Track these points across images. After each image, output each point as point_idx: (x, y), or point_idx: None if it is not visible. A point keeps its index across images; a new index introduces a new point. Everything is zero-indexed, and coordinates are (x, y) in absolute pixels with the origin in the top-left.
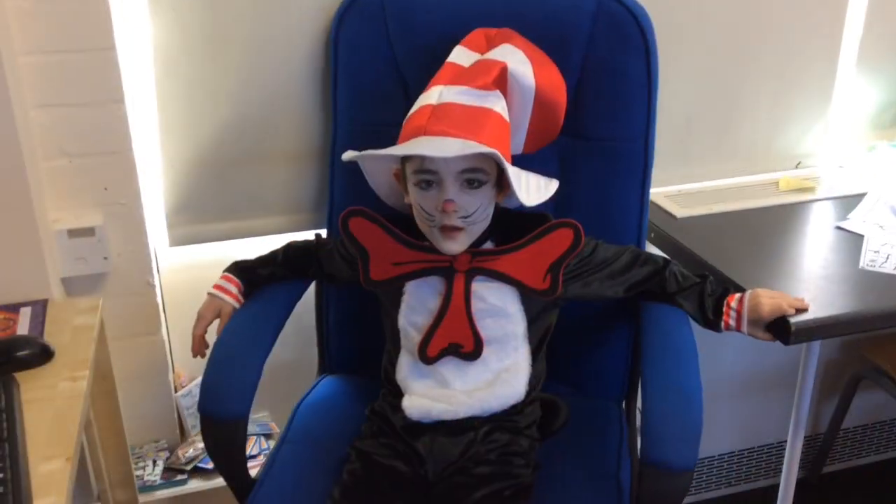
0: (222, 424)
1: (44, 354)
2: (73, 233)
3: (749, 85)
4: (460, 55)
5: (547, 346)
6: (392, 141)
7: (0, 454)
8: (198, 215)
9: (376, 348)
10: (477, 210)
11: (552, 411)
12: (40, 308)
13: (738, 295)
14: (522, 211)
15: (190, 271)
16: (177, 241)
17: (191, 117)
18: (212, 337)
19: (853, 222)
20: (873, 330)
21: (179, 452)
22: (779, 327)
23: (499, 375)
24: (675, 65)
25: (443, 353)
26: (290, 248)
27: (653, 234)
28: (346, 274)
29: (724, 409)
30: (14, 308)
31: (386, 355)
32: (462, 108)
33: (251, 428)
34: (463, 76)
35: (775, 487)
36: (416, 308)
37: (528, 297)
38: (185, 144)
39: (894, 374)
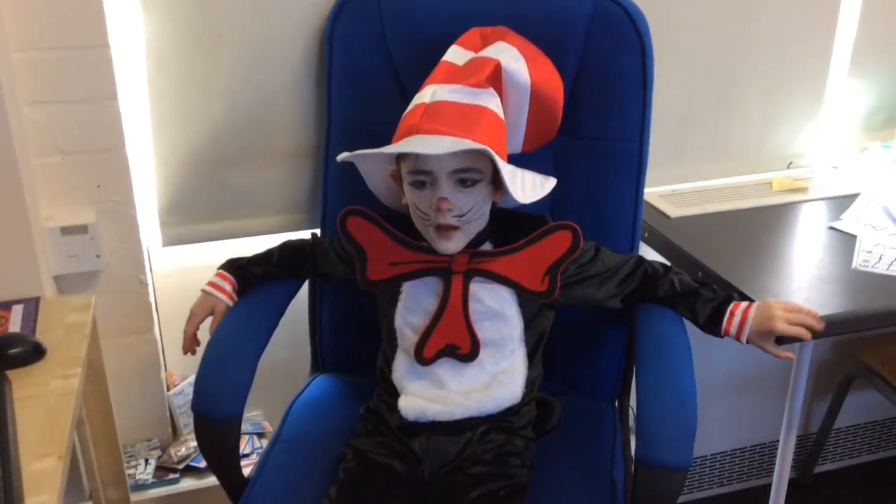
0: (216, 423)
1: (36, 352)
2: (65, 230)
3: (742, 85)
4: (455, 54)
5: (542, 347)
6: (387, 140)
7: None
8: (191, 215)
9: (369, 347)
10: (472, 209)
11: (546, 410)
12: (32, 306)
13: (744, 304)
14: (521, 213)
15: (183, 271)
16: (170, 240)
17: (184, 115)
18: (203, 335)
19: (846, 223)
20: (866, 330)
21: (171, 451)
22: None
23: (495, 377)
24: (669, 65)
25: (439, 355)
26: (285, 247)
27: (646, 234)
28: (341, 273)
29: (716, 408)
30: (6, 306)
31: (382, 355)
32: (455, 107)
33: (244, 427)
34: (457, 74)
35: (767, 487)
36: (413, 308)
37: (526, 300)
38: (177, 143)
39: (886, 373)
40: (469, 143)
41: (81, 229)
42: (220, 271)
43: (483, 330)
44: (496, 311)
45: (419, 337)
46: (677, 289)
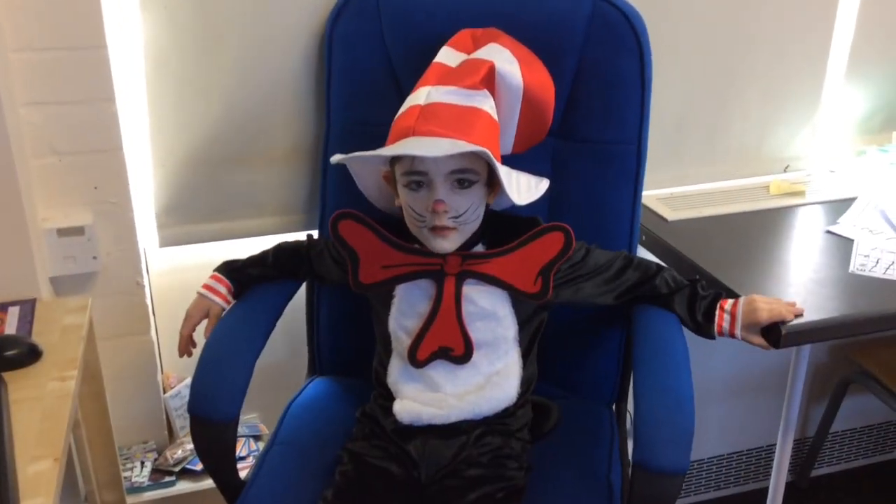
0: (212, 426)
1: (32, 354)
2: (62, 232)
3: (739, 88)
4: (447, 55)
5: (538, 349)
6: (385, 141)
7: None
8: (188, 216)
9: (367, 350)
10: (468, 210)
11: (543, 413)
12: (29, 307)
13: (730, 300)
14: (513, 214)
15: (180, 272)
16: (167, 241)
17: (181, 116)
18: (199, 337)
19: (843, 226)
20: (863, 334)
21: (167, 454)
22: (769, 331)
23: (490, 379)
24: (667, 68)
25: (433, 357)
26: (281, 248)
27: (644, 238)
28: (335, 275)
29: (713, 412)
30: (2, 307)
31: (377, 358)
32: (450, 108)
33: (241, 429)
34: (451, 76)
35: (764, 491)
36: (406, 311)
37: (519, 301)
38: (175, 144)
39: (883, 377)
40: (466, 146)
41: (78, 231)
42: (215, 273)
43: (476, 331)
44: (489, 312)
45: (412, 340)
46: (672, 285)
